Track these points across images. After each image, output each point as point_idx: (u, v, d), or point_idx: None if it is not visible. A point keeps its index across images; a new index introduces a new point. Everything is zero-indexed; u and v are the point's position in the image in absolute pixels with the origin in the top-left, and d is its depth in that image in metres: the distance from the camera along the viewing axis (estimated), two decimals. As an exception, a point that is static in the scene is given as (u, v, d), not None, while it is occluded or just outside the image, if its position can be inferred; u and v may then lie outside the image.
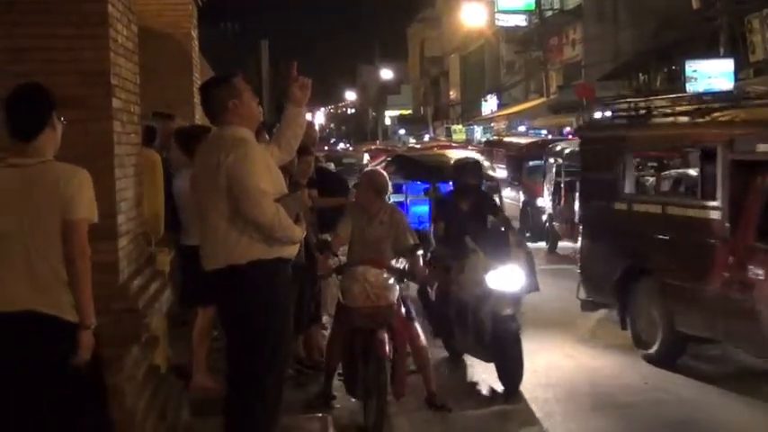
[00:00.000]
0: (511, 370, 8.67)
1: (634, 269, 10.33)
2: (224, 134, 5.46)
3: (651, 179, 13.68)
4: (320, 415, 7.73)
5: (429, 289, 9.99)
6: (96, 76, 5.90)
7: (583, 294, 11.41)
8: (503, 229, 9.81)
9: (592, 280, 11.32)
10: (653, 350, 9.93)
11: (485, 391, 8.99)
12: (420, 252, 8.07)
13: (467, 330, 9.00)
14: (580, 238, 11.92)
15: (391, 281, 7.49)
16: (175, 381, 7.56)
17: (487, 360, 8.93)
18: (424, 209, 14.70)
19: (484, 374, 9.26)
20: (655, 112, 10.85)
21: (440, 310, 9.66)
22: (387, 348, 7.35)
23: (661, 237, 9.97)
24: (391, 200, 13.46)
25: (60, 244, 4.56)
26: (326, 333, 9.32)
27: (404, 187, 15.17)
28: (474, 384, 9.26)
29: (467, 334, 9.03)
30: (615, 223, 10.84)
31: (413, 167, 14.75)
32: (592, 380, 9.48)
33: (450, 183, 11.07)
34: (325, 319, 9.87)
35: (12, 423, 4.57)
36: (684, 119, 10.17)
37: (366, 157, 33.91)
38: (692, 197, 9.99)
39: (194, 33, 13.44)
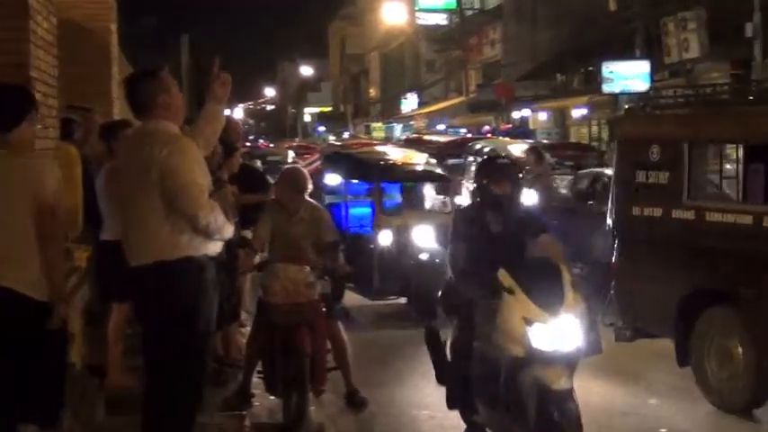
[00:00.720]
0: None
1: (703, 292, 8.26)
2: (154, 129, 5.39)
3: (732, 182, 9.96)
4: (238, 413, 7.71)
5: (439, 334, 7.38)
6: (16, 69, 5.83)
7: (616, 320, 9.29)
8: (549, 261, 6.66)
9: (635, 304, 9.16)
10: (729, 395, 8.03)
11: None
12: (341, 248, 8.09)
13: (496, 403, 6.43)
14: (615, 252, 9.56)
15: (312, 278, 7.49)
16: (90, 379, 7.48)
17: None
18: (365, 211, 13.53)
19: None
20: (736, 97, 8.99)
21: (457, 369, 6.92)
22: (307, 345, 7.36)
23: (754, 254, 7.79)
24: (325, 201, 13.30)
25: (32, 226, 5.04)
26: (244, 330, 9.29)
27: (343, 187, 13.97)
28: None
29: (496, 408, 6.47)
30: (674, 235, 8.65)
31: (352, 166, 13.89)
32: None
33: (474, 189, 9.09)
34: (243, 316, 9.83)
35: None
36: None
37: (291, 154, 33.65)
38: None
39: (113, 27, 13.27)
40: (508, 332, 6.23)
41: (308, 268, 7.52)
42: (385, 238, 12.22)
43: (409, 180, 13.51)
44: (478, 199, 7.20)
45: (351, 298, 12.38)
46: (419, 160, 14.25)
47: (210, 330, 5.60)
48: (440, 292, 7.20)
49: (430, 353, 7.36)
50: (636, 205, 9.24)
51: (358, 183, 13.83)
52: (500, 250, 6.75)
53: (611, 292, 9.43)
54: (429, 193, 14.26)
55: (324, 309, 7.75)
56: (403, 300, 12.52)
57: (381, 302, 12.64)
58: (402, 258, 12.04)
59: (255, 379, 8.01)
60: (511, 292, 6.24)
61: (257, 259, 8.03)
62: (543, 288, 6.26)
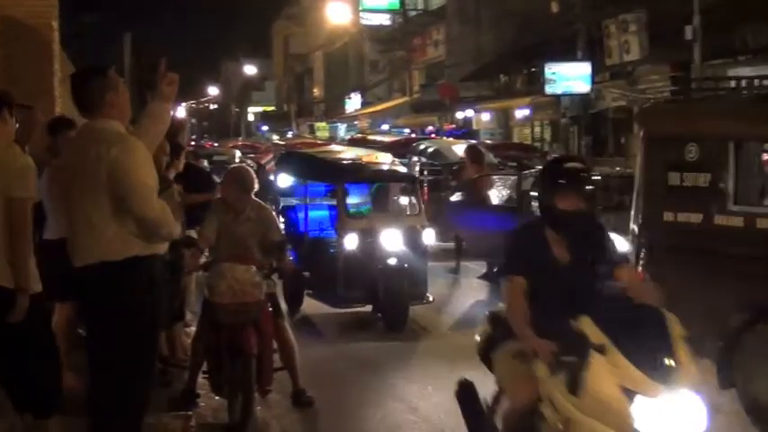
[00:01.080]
0: None
1: (753, 307, 7.42)
2: (102, 127, 5.34)
3: None
4: (184, 413, 7.68)
5: (475, 391, 5.86)
6: (-44, 67, 5.78)
7: None
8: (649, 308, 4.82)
9: None
10: None
11: None
12: (288, 248, 8.08)
13: None
14: (642, 262, 8.51)
15: (258, 277, 7.48)
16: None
17: None
18: (324, 213, 12.92)
19: None
20: None
21: None
22: (253, 345, 7.35)
23: None
24: (281, 204, 13.05)
25: (4, 219, 5.27)
26: (190, 330, 9.26)
27: (300, 188, 13.29)
28: None
29: None
30: (717, 244, 7.72)
31: (313, 167, 13.03)
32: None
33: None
34: (188, 316, 9.79)
35: None
36: None
37: (237, 153, 33.38)
38: None
39: (55, 24, 13.15)
40: (598, 407, 4.49)
41: (254, 268, 7.50)
42: (349, 241, 11.47)
43: (375, 181, 12.75)
44: (539, 216, 5.50)
45: (313, 306, 12.01)
46: (384, 160, 13.26)
47: (158, 331, 5.58)
48: (478, 336, 5.64)
49: (463, 413, 5.84)
50: (668, 210, 8.25)
51: (317, 184, 13.12)
52: (571, 288, 5.10)
53: None
54: (395, 195, 13.71)
55: (270, 308, 7.75)
56: (369, 308, 11.82)
57: (346, 311, 11.88)
58: (368, 263, 11.37)
59: (201, 379, 7.98)
60: (602, 350, 4.48)
61: (203, 259, 8.01)
62: (646, 347, 4.48)
